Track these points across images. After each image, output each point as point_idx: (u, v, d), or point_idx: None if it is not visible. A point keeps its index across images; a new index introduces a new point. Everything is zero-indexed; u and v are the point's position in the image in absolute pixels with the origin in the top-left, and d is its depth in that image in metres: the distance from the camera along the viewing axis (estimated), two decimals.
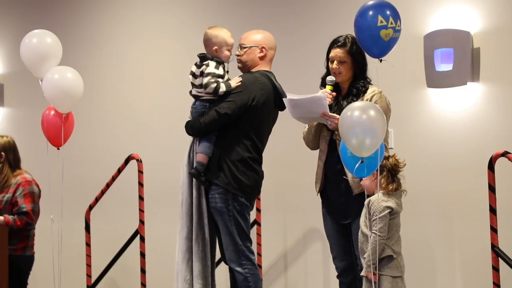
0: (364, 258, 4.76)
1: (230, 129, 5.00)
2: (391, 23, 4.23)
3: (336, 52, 4.98)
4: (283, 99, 4.96)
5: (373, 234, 4.69)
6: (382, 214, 4.70)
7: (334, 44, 5.01)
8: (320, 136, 5.07)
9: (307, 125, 5.12)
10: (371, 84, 4.97)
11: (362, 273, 4.79)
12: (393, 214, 4.76)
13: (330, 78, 5.02)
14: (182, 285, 5.04)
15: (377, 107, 4.29)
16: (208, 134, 5.02)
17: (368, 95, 4.90)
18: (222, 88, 4.95)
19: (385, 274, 4.76)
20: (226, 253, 5.05)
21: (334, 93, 5.00)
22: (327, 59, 5.05)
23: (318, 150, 5.11)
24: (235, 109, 4.94)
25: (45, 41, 5.68)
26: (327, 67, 5.07)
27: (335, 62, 4.98)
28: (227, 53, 5.05)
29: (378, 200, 4.73)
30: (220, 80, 4.97)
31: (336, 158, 4.93)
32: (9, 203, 6.04)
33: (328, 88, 5.01)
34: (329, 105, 4.98)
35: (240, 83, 4.99)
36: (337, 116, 4.84)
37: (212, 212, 5.03)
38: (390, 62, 4.72)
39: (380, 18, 4.23)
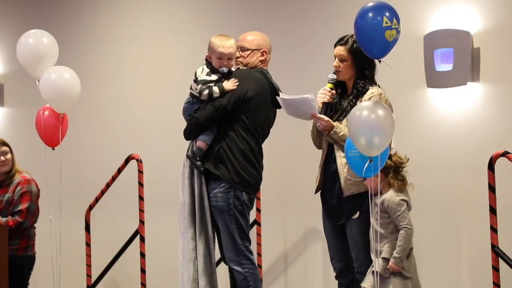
0: (382, 257, 4.77)
1: (229, 122, 5.01)
2: (395, 24, 4.24)
3: (338, 50, 4.97)
4: (277, 97, 4.96)
5: (404, 229, 4.74)
6: (403, 208, 4.74)
7: (337, 42, 5.00)
8: (322, 136, 5.06)
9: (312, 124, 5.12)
10: (374, 85, 4.91)
11: (377, 269, 4.75)
12: (408, 208, 4.80)
13: (330, 76, 5.00)
14: (191, 285, 5.04)
15: (386, 107, 4.28)
16: (207, 129, 5.03)
17: (366, 96, 4.86)
18: (216, 92, 4.98)
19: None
20: (225, 253, 5.05)
21: (333, 91, 4.99)
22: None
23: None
24: (230, 101, 4.96)
25: (42, 41, 5.67)
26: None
27: (336, 60, 4.97)
28: (216, 61, 5.03)
29: (393, 196, 4.77)
30: (211, 84, 5.00)
31: (333, 158, 4.93)
32: (9, 202, 6.05)
33: (328, 86, 5.00)
34: (331, 104, 4.97)
35: (236, 84, 4.98)
36: (325, 118, 4.84)
37: (213, 210, 5.03)
38: (387, 63, 4.73)
39: (385, 19, 4.23)
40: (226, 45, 5.02)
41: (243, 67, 5.13)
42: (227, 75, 5.06)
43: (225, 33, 5.21)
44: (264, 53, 5.14)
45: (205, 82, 5.00)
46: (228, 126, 5.02)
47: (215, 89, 4.97)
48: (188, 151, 5.10)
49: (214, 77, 5.02)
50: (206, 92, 4.98)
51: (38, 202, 6.12)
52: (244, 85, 4.98)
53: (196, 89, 5.04)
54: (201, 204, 5.04)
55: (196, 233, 5.04)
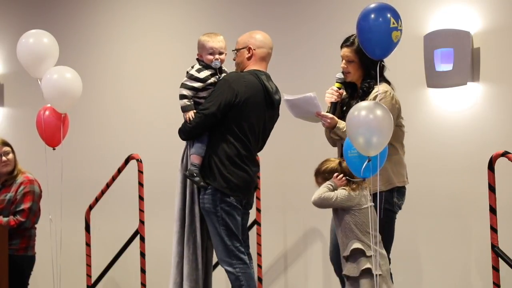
0: (343, 256, 4.72)
1: (217, 128, 5.01)
2: (400, 26, 4.24)
3: (344, 51, 4.96)
4: (282, 99, 4.95)
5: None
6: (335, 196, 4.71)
7: (343, 43, 4.99)
8: None
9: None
10: (380, 84, 4.85)
11: (377, 271, 4.62)
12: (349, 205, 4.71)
13: (338, 75, 5.00)
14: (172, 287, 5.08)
15: (384, 107, 4.29)
16: (199, 136, 5.04)
17: (372, 95, 4.87)
18: (182, 103, 5.01)
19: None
20: (216, 254, 5.05)
21: (341, 91, 4.99)
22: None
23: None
24: (219, 107, 4.94)
25: (42, 41, 5.67)
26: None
27: (344, 61, 4.97)
28: (208, 57, 5.06)
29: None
30: (189, 96, 5.01)
31: None
32: (11, 202, 6.05)
33: (336, 85, 5.00)
34: (339, 104, 4.96)
35: (192, 118, 4.98)
36: (330, 115, 4.84)
37: (202, 212, 5.04)
38: (385, 64, 4.73)
39: (392, 20, 4.22)
40: (215, 39, 5.06)
41: (237, 71, 5.12)
42: (219, 71, 5.07)
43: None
44: (250, 49, 5.09)
45: (191, 77, 5.02)
46: (217, 133, 5.01)
47: (184, 101, 5.00)
48: (181, 167, 5.09)
49: (203, 74, 5.03)
50: (182, 92, 5.02)
51: (40, 202, 6.13)
52: (234, 90, 4.96)
53: (184, 83, 5.05)
54: (191, 209, 5.04)
55: (182, 238, 5.05)
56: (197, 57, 5.13)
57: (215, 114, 4.95)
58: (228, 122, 4.98)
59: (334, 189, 4.72)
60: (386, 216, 4.85)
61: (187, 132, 5.04)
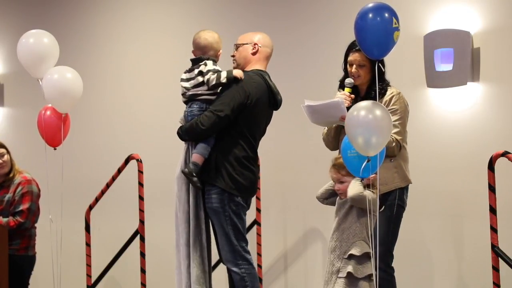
0: (350, 254, 4.71)
1: (227, 130, 4.99)
2: (399, 26, 4.24)
3: (355, 56, 4.98)
4: (301, 106, 4.93)
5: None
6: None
7: (352, 48, 5.00)
8: (339, 138, 5.08)
9: (326, 127, 5.12)
10: (390, 86, 5.00)
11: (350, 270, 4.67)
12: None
13: (348, 80, 5.03)
14: None
15: (383, 106, 4.30)
16: (208, 137, 5.02)
17: (386, 97, 4.94)
18: (223, 75, 4.93)
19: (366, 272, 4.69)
20: (222, 253, 5.04)
21: (352, 96, 5.01)
22: (345, 62, 5.04)
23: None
24: (233, 109, 4.92)
25: (42, 41, 5.67)
26: (345, 69, 5.06)
27: (354, 66, 4.98)
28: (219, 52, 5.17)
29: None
30: (220, 70, 4.99)
31: None
32: (10, 203, 6.04)
33: (347, 90, 5.02)
34: (347, 107, 4.98)
35: (241, 75, 4.95)
36: None
37: (208, 212, 5.02)
38: (380, 65, 4.73)
39: (394, 19, 4.22)
40: None
41: (235, 68, 5.11)
42: None
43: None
44: (256, 45, 5.08)
45: (214, 71, 4.97)
46: (225, 134, 4.99)
47: (223, 73, 4.94)
48: (183, 165, 5.06)
49: (218, 67, 5.04)
50: (214, 76, 4.94)
51: (39, 202, 6.12)
52: (246, 92, 4.95)
53: (205, 81, 4.98)
54: (196, 211, 5.02)
55: (190, 240, 5.03)
56: (211, 55, 5.07)
57: (229, 117, 4.93)
58: (238, 123, 4.97)
59: (363, 186, 4.71)
60: (396, 212, 4.98)
61: (198, 134, 4.97)
